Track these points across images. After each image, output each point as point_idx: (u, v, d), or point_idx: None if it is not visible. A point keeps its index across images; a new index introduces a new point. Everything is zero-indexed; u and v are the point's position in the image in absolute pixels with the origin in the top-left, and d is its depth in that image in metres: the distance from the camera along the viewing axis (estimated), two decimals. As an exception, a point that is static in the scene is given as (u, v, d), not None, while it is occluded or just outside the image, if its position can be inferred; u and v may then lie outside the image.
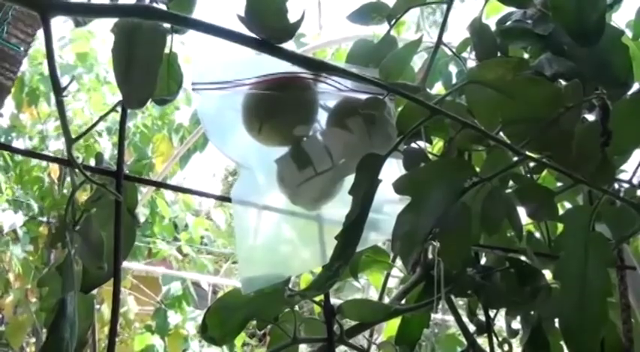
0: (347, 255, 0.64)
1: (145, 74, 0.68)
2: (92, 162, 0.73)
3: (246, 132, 0.68)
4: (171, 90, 0.73)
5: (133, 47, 0.68)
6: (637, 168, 0.65)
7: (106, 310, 3.38)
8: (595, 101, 0.57)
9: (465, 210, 0.57)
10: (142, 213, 3.34)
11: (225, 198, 0.70)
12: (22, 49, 2.35)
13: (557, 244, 0.70)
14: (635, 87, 1.03)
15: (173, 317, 3.33)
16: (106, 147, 3.65)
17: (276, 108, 0.66)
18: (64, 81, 0.62)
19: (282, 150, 0.70)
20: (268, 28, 0.67)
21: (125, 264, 3.10)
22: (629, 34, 1.25)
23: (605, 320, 0.66)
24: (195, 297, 3.42)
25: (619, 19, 1.26)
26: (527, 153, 0.63)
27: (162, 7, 0.69)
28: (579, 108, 0.57)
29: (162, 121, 3.58)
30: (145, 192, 3.28)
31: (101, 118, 0.64)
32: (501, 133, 0.62)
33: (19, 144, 3.98)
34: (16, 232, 3.57)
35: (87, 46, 3.90)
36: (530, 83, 0.62)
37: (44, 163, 3.73)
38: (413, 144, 0.79)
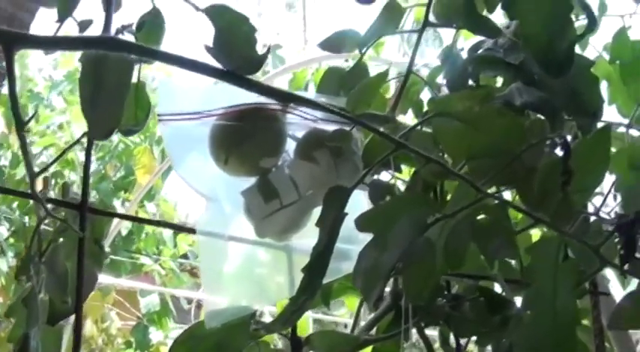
0: (313, 288, 0.64)
1: (112, 104, 0.68)
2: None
3: (214, 163, 0.68)
4: (138, 120, 0.73)
5: (100, 77, 0.68)
6: (603, 201, 0.65)
7: (88, 325, 3.36)
8: (557, 139, 0.57)
9: (428, 245, 0.57)
10: (125, 227, 3.33)
11: (191, 230, 0.70)
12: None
13: (527, 274, 0.70)
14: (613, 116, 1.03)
15: (155, 334, 3.31)
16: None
17: (242, 140, 0.66)
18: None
19: (251, 180, 0.70)
20: (236, 59, 0.67)
21: (108, 279, 3.09)
22: (606, 56, 1.26)
23: (574, 349, 0.66)
24: (174, 312, 3.40)
25: (597, 41, 1.27)
26: (495, 187, 0.63)
27: (130, 37, 0.69)
28: (542, 145, 0.57)
29: (143, 134, 3.57)
30: (128, 206, 3.27)
31: (66, 151, 0.63)
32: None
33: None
34: (1, 246, 3.54)
35: (73, 63, 3.89)
36: (497, 116, 0.62)
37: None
38: (384, 172, 0.79)
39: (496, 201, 0.57)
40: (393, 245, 0.56)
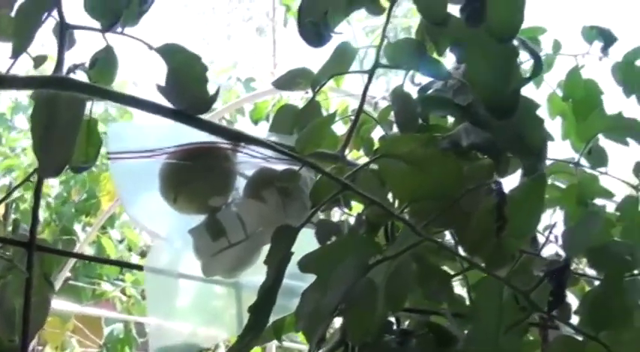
0: (259, 327, 0.64)
1: (63, 142, 0.68)
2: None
3: (164, 201, 0.68)
4: (89, 156, 0.73)
5: (52, 115, 0.68)
6: (545, 242, 0.67)
7: (48, 352, 3.30)
8: (492, 185, 0.59)
9: (370, 287, 0.58)
10: (88, 252, 3.29)
11: (139, 267, 0.70)
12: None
13: (472, 311, 0.71)
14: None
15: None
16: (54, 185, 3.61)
17: (191, 178, 0.67)
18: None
19: (202, 218, 0.70)
20: (187, 98, 0.68)
21: (68, 305, 3.04)
22: (559, 93, 1.30)
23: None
24: (139, 340, 3.36)
25: (552, 78, 1.31)
26: (435, 230, 0.64)
27: (83, 75, 0.70)
28: (479, 191, 0.59)
29: (109, 160, 3.53)
30: (89, 231, 3.24)
31: (16, 188, 0.63)
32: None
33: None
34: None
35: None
36: (439, 159, 0.64)
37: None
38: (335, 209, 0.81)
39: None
40: (335, 286, 0.57)
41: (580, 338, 0.53)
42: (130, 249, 3.57)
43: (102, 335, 3.43)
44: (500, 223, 0.54)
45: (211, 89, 0.68)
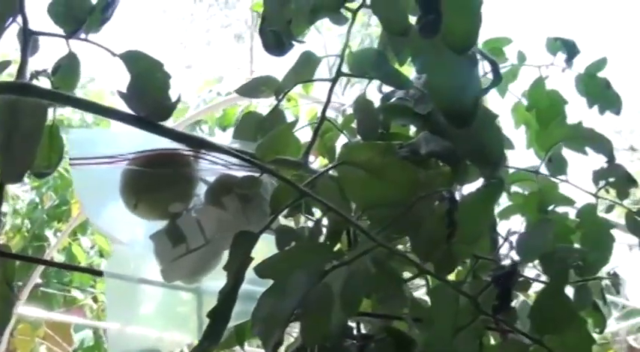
0: (218, 332, 0.65)
1: (25, 148, 0.69)
2: None
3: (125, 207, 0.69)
4: (51, 162, 0.73)
5: (15, 120, 0.69)
6: (499, 247, 0.68)
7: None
8: (444, 193, 0.60)
9: (326, 292, 0.59)
10: (57, 258, 3.27)
11: (100, 273, 0.70)
12: None
13: (429, 316, 0.72)
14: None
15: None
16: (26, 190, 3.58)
17: (152, 185, 0.67)
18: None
19: (164, 223, 0.71)
20: (149, 105, 0.69)
21: (39, 312, 3.02)
22: (524, 103, 1.32)
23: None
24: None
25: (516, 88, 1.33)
26: (396, 236, 0.66)
27: (45, 81, 0.70)
28: (431, 198, 0.60)
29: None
30: (59, 236, 3.22)
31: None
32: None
33: None
34: None
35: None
36: (396, 167, 0.65)
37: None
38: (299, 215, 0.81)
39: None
40: (292, 291, 0.58)
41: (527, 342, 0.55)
42: (101, 256, 3.55)
43: (72, 342, 3.40)
44: (450, 229, 0.56)
45: (174, 96, 0.69)
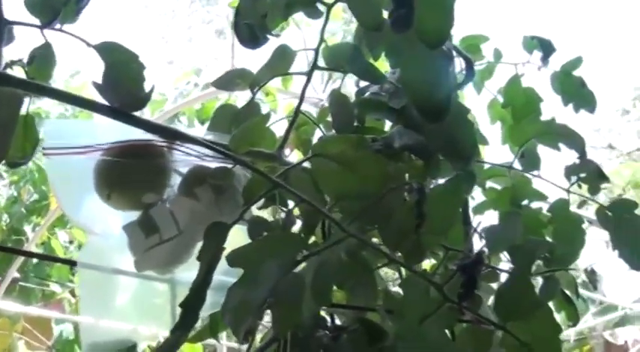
0: (190, 322, 0.66)
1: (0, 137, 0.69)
2: None
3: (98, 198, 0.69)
4: (26, 153, 0.73)
5: (-12, 109, 0.69)
6: (469, 239, 0.69)
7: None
8: (414, 185, 0.61)
9: (297, 282, 0.60)
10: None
11: (74, 263, 0.71)
12: None
13: (400, 307, 0.73)
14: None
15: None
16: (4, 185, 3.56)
17: (125, 175, 0.68)
18: None
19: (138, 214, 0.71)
20: (123, 96, 0.69)
21: (17, 307, 3.00)
22: (500, 99, 1.33)
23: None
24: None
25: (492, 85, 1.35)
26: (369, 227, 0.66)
27: (20, 71, 0.70)
28: (401, 190, 0.61)
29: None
30: (37, 230, 3.20)
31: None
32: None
33: None
34: None
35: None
36: (367, 160, 0.66)
37: None
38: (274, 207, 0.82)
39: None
40: (263, 281, 0.59)
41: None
42: (80, 250, 3.53)
43: (51, 337, 3.39)
44: (419, 220, 0.57)
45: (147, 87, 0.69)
